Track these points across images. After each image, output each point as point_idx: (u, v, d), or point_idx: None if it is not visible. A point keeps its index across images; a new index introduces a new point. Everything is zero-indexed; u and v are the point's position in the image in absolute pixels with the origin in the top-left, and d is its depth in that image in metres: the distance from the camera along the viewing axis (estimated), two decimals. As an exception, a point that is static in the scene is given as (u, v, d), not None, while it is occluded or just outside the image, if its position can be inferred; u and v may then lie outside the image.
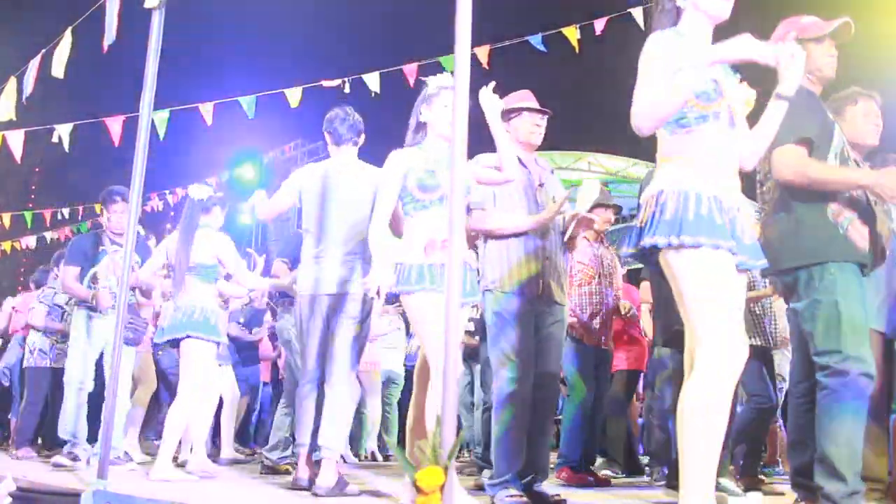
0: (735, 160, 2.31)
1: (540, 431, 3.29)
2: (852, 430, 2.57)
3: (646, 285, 4.96)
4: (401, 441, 5.18)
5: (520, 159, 3.34)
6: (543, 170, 3.50)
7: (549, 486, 3.49)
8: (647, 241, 2.19)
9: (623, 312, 4.90)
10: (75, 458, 4.24)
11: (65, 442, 4.64)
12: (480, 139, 2.83)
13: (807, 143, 2.67)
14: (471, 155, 2.83)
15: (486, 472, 3.74)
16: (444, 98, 2.96)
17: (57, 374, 5.50)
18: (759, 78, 2.46)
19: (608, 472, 4.95)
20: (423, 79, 3.15)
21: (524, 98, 3.52)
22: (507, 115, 3.42)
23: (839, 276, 2.62)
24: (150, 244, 5.70)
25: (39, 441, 6.04)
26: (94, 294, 4.72)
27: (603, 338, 4.62)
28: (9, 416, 7.03)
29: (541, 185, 3.41)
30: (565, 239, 3.40)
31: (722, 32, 2.33)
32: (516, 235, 3.27)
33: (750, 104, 2.50)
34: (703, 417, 2.09)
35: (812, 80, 2.85)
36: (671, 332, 3.48)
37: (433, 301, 2.81)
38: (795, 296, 2.72)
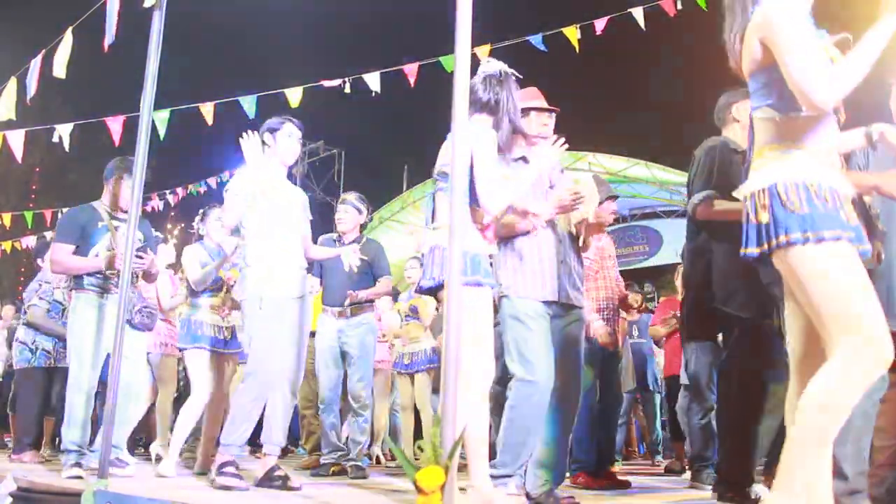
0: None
1: (557, 434, 3.24)
2: (860, 429, 2.53)
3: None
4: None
5: (527, 160, 3.31)
6: (553, 170, 3.43)
7: (563, 490, 3.44)
8: (782, 238, 2.00)
9: (636, 306, 4.84)
10: (79, 466, 4.11)
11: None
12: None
13: None
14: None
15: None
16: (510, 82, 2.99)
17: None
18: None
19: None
20: (487, 59, 3.08)
21: (531, 96, 3.41)
22: None
23: None
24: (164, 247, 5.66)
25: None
26: (108, 257, 4.03)
27: (609, 334, 4.49)
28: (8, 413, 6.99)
29: (551, 186, 3.34)
30: (580, 244, 3.34)
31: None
32: (526, 237, 3.20)
33: None
34: (821, 415, 1.92)
35: None
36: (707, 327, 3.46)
37: (487, 297, 2.80)
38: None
